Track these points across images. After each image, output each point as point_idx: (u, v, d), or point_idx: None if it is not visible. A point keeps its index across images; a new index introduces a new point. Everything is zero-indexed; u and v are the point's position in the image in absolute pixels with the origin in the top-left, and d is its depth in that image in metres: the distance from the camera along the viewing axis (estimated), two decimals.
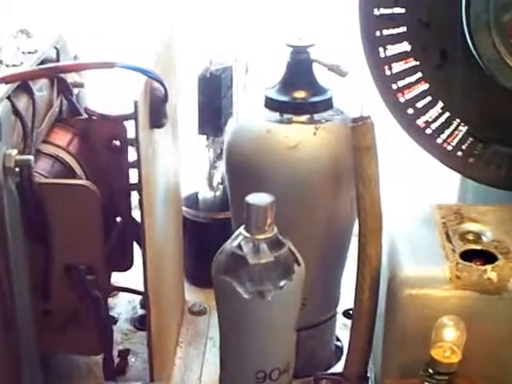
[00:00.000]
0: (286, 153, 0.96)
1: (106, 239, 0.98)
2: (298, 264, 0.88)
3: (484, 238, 0.96)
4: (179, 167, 1.14)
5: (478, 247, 0.94)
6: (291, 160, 0.96)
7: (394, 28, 1.04)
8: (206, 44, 1.22)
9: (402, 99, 1.06)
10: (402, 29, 1.04)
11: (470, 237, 0.96)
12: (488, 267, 0.91)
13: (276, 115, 0.99)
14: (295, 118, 0.98)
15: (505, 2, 1.01)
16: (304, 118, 0.98)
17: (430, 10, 1.03)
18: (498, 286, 0.89)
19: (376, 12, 1.03)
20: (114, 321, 1.21)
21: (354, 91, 0.97)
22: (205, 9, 1.31)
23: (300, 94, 0.99)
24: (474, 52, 1.03)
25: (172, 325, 1.13)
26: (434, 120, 1.07)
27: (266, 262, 0.86)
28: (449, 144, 1.08)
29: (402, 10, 1.03)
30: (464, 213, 1.01)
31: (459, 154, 1.09)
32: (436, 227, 0.98)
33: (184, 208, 1.24)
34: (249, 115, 1.02)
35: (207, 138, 1.21)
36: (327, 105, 0.99)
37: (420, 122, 1.07)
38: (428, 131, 1.08)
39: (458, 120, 1.07)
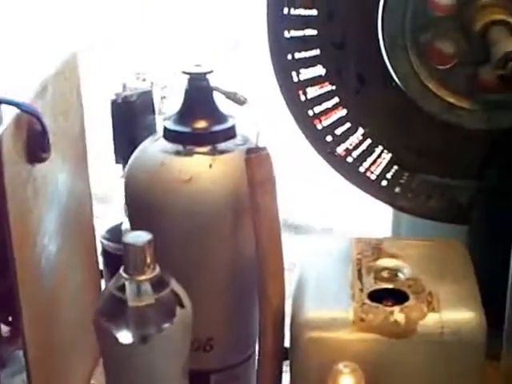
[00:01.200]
0: (179, 187, 0.90)
1: None
2: (182, 306, 0.82)
3: (400, 276, 0.89)
4: (88, 198, 1.07)
5: (390, 286, 0.87)
6: (185, 195, 0.90)
7: (306, 51, 0.97)
8: (123, 67, 1.16)
9: (319, 126, 1.00)
10: (315, 52, 0.97)
11: (385, 274, 0.90)
12: (396, 308, 0.84)
13: (174, 146, 0.93)
14: (195, 149, 0.92)
15: (422, 22, 0.95)
16: (204, 148, 0.92)
17: (343, 31, 0.97)
18: (405, 329, 0.82)
19: (287, 34, 0.97)
20: None
21: (251, 120, 0.90)
22: (124, 29, 1.26)
23: (200, 124, 0.92)
24: (393, 75, 0.97)
25: (77, 375, 1.05)
26: (355, 148, 1.01)
27: (147, 304, 0.80)
28: (372, 173, 1.02)
29: (314, 32, 0.97)
30: (384, 247, 0.94)
31: (384, 183, 1.02)
32: (350, 263, 0.91)
33: (105, 241, 1.17)
34: (146, 147, 0.96)
35: (123, 168, 1.14)
36: (229, 134, 0.93)
37: (340, 149, 1.01)
38: (349, 159, 1.01)
39: (380, 147, 1.01)
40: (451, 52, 0.96)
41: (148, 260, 0.80)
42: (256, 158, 0.86)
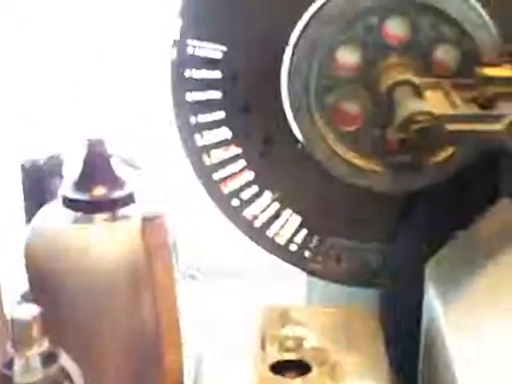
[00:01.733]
0: (77, 256, 0.86)
1: None
2: (71, 382, 0.78)
3: (305, 345, 0.87)
4: None
5: (294, 357, 0.84)
6: (83, 263, 0.86)
7: (210, 113, 0.95)
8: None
9: (225, 190, 0.97)
10: (220, 114, 0.95)
11: (290, 344, 0.87)
12: (298, 380, 0.81)
13: (72, 214, 0.89)
14: (94, 217, 0.89)
15: (327, 83, 0.94)
16: (103, 216, 0.89)
17: (248, 93, 0.94)
18: None
19: (190, 97, 0.95)
20: None
21: (149, 186, 0.88)
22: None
23: (98, 191, 0.89)
24: (300, 138, 0.95)
25: None
26: (263, 211, 0.98)
27: (34, 380, 0.76)
28: (281, 237, 0.99)
29: (219, 95, 0.95)
30: (291, 315, 0.92)
31: (293, 247, 1.00)
32: (254, 333, 0.88)
33: None
34: (46, 213, 0.92)
35: None
36: (128, 200, 0.90)
37: (247, 214, 0.98)
38: (257, 224, 0.99)
39: (288, 211, 0.98)
40: (358, 113, 0.94)
41: (36, 335, 0.76)
42: (151, 227, 0.83)
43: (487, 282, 0.82)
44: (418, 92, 0.89)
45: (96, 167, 0.89)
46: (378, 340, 0.88)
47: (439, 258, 0.91)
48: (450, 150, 0.95)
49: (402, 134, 0.81)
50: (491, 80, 0.88)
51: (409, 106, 0.82)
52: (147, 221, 0.83)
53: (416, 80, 0.89)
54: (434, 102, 0.87)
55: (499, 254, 0.84)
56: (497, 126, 0.81)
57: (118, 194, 0.89)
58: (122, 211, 0.89)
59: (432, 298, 0.86)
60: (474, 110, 0.85)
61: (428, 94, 0.89)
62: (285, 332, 0.89)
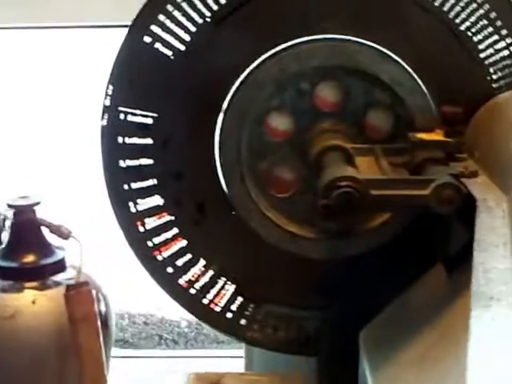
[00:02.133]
0: (1, 323, 0.84)
1: None
2: None
3: None
4: None
5: None
6: (8, 331, 0.85)
7: (143, 181, 0.94)
8: None
9: (159, 257, 0.96)
10: (152, 181, 0.94)
11: None
12: None
13: (0, 283, 0.88)
14: (22, 284, 0.87)
15: (259, 149, 0.93)
16: (32, 283, 0.87)
17: (180, 160, 0.94)
18: None
19: (122, 164, 0.94)
20: None
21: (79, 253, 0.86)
22: None
23: (27, 258, 0.88)
24: (233, 205, 0.94)
25: None
26: (198, 279, 0.97)
27: None
28: (216, 305, 0.97)
29: (150, 162, 0.94)
30: (225, 383, 0.89)
31: (229, 315, 0.98)
32: None
33: None
34: None
35: None
36: (58, 268, 0.88)
37: (182, 281, 0.97)
38: (192, 291, 0.97)
39: (223, 278, 0.97)
40: (291, 179, 0.94)
41: None
42: (75, 295, 0.82)
43: (416, 351, 0.80)
44: (348, 157, 0.88)
45: (25, 234, 0.88)
46: None
47: (373, 326, 0.90)
48: (384, 217, 0.94)
49: (326, 200, 0.80)
50: (423, 145, 0.88)
51: (333, 171, 0.82)
52: (72, 289, 0.82)
53: (346, 145, 0.89)
54: (364, 168, 0.86)
55: (431, 321, 0.83)
56: (423, 191, 0.81)
57: (46, 261, 0.88)
58: (51, 279, 0.88)
59: (365, 366, 0.85)
60: (403, 175, 0.85)
61: (358, 159, 0.88)
62: None
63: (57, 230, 0.86)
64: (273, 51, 0.91)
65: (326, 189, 0.80)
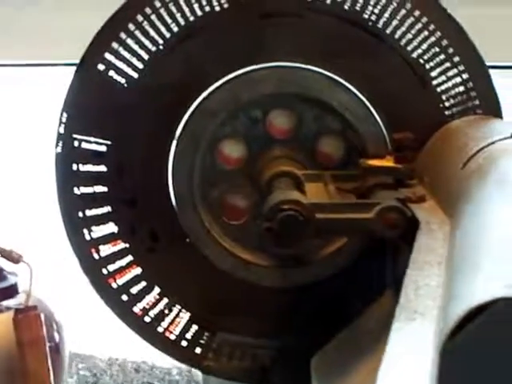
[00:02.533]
0: None
1: None
2: None
3: None
4: None
5: None
6: None
7: (97, 208, 0.94)
8: None
9: (114, 285, 0.96)
10: (106, 209, 0.94)
11: None
12: None
13: None
14: None
15: (212, 176, 0.94)
16: None
17: (134, 188, 0.94)
18: None
19: (77, 191, 0.94)
20: None
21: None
22: None
23: None
24: (187, 233, 0.94)
25: None
26: (152, 307, 0.96)
27: None
28: (171, 333, 0.97)
29: (105, 189, 0.94)
30: None
31: (184, 343, 0.97)
32: None
33: None
34: None
35: None
36: (9, 293, 0.88)
37: (137, 309, 0.96)
38: (147, 319, 0.97)
39: (178, 306, 0.97)
40: (243, 207, 0.94)
41: None
42: (23, 319, 0.82)
43: (361, 375, 0.80)
44: (298, 183, 0.88)
45: None
46: None
47: (323, 353, 0.89)
48: (337, 245, 0.94)
49: (267, 224, 0.80)
50: (372, 171, 0.88)
51: (278, 195, 0.82)
52: (20, 313, 0.82)
53: (296, 171, 0.89)
54: (313, 193, 0.86)
55: (376, 346, 0.82)
56: (368, 215, 0.81)
57: None
58: (2, 303, 0.88)
59: None
60: (350, 199, 0.85)
61: (308, 185, 0.89)
62: None
63: (7, 255, 0.86)
64: (225, 79, 0.92)
65: (269, 212, 0.81)
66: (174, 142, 0.93)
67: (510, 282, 0.49)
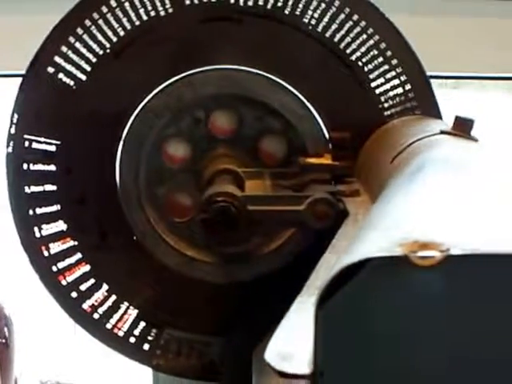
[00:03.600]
0: None
1: None
2: None
3: None
4: None
5: None
6: None
7: (47, 206, 0.97)
8: None
9: (63, 282, 0.98)
10: (56, 207, 0.97)
11: None
12: None
13: None
14: None
15: (157, 175, 0.96)
16: None
17: (83, 186, 0.97)
18: None
19: (27, 190, 0.97)
20: None
21: None
22: None
23: None
24: (134, 231, 0.97)
25: None
26: (101, 304, 0.99)
27: None
28: (119, 329, 0.99)
29: (54, 188, 0.97)
30: None
31: (132, 340, 1.00)
32: None
33: None
34: None
35: None
36: None
37: (86, 306, 0.99)
38: (95, 316, 0.99)
39: (126, 303, 0.99)
40: (188, 204, 0.97)
41: None
42: None
43: None
44: (238, 180, 0.91)
45: None
46: None
47: (263, 345, 0.91)
48: (280, 242, 0.96)
49: (203, 215, 0.83)
50: (310, 168, 0.91)
51: (214, 188, 0.85)
52: None
53: (237, 169, 0.92)
54: (251, 189, 0.89)
55: None
56: (299, 207, 0.83)
57: None
58: None
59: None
60: (283, 193, 0.88)
61: (248, 182, 0.91)
62: None
63: None
64: (169, 81, 0.95)
65: (205, 204, 0.84)
66: (121, 143, 0.96)
67: (382, 246, 0.51)
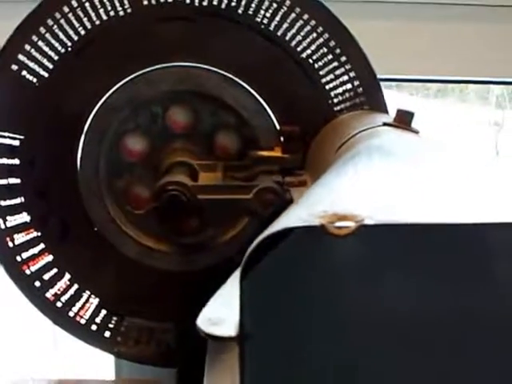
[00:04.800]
0: None
1: None
2: None
3: None
4: None
5: None
6: None
7: (11, 199, 1.01)
8: None
9: (27, 271, 1.02)
10: (20, 199, 1.01)
11: None
12: None
13: None
14: None
15: (117, 168, 1.00)
16: None
17: (45, 179, 1.01)
18: None
19: None
20: None
21: None
22: None
23: None
24: (94, 222, 1.01)
25: None
26: (64, 292, 1.03)
27: None
28: (81, 317, 1.03)
29: (18, 181, 1.01)
30: None
31: (94, 327, 1.04)
32: None
33: None
34: None
35: None
36: None
37: (49, 294, 1.03)
38: (58, 304, 1.03)
39: (87, 292, 1.03)
40: (146, 196, 1.01)
41: None
42: None
43: None
44: (192, 172, 0.95)
45: None
46: None
47: None
48: (235, 230, 1.01)
49: (155, 204, 0.87)
50: (261, 160, 0.95)
51: (165, 178, 0.89)
52: None
53: (191, 161, 0.96)
54: (204, 180, 0.93)
55: None
56: (247, 196, 0.88)
57: None
58: None
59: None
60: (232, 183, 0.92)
61: (203, 174, 0.96)
62: None
63: None
64: (128, 78, 0.99)
65: (157, 192, 0.88)
66: (82, 137, 1.00)
67: (303, 218, 0.55)
